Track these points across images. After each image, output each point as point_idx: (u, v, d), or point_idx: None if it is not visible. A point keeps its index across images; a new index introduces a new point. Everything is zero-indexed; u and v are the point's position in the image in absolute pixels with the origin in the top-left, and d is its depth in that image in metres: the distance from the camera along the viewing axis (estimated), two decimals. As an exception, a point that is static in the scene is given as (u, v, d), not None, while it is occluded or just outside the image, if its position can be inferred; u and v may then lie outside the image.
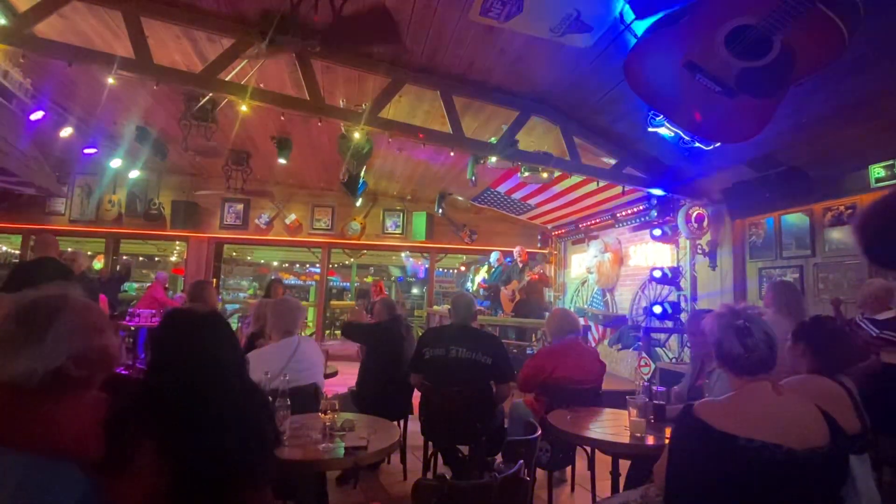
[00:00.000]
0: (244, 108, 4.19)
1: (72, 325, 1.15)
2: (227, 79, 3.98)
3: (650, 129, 3.95)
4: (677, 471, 1.45)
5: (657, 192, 5.55)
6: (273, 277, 9.53)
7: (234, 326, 2.63)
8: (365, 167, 6.12)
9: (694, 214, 5.37)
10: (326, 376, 3.68)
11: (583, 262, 8.11)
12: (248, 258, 12.22)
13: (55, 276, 4.00)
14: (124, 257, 8.90)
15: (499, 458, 2.90)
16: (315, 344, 3.12)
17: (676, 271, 5.89)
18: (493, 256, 7.88)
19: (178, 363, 1.30)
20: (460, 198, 7.93)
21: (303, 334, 2.89)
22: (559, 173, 5.26)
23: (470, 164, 5.45)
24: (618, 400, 2.93)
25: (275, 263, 12.72)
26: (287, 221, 8.33)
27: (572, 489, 3.38)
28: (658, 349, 5.81)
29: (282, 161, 6.17)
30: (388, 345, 3.64)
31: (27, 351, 1.07)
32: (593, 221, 7.54)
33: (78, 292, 1.25)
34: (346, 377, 4.11)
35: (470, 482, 1.74)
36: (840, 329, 2.27)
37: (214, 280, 8.47)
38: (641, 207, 6.28)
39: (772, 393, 1.40)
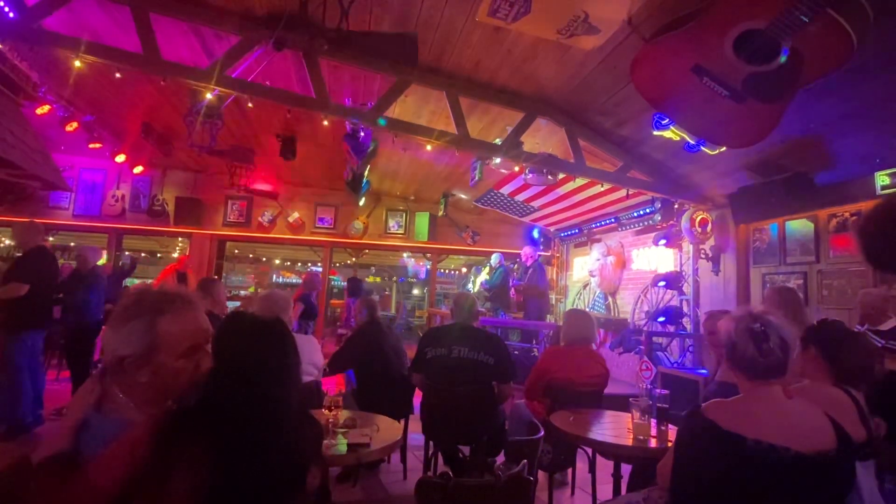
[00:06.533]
0: (250, 105, 4.20)
1: (146, 328, 1.14)
2: (233, 75, 3.99)
3: (655, 133, 3.94)
4: (683, 470, 1.44)
5: (661, 195, 5.55)
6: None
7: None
8: (369, 167, 6.11)
9: (698, 219, 5.36)
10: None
11: (585, 265, 8.10)
12: (250, 255, 12.19)
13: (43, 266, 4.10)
14: (126, 253, 8.89)
15: (499, 458, 2.90)
16: (301, 339, 3.12)
17: (679, 276, 5.88)
18: (494, 258, 7.84)
19: (234, 375, 1.19)
20: (463, 196, 7.89)
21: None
22: (563, 175, 5.25)
23: (478, 168, 5.44)
24: (619, 404, 2.93)
25: (276, 261, 12.69)
26: (290, 220, 8.33)
27: (573, 492, 3.37)
28: (660, 353, 5.80)
29: (286, 159, 6.17)
30: (372, 354, 3.61)
31: (113, 329, 1.16)
32: (596, 225, 7.55)
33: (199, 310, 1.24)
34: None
35: (474, 480, 1.74)
36: (854, 333, 2.24)
37: (216, 277, 8.45)
38: (645, 211, 6.27)
39: (782, 397, 1.39)
